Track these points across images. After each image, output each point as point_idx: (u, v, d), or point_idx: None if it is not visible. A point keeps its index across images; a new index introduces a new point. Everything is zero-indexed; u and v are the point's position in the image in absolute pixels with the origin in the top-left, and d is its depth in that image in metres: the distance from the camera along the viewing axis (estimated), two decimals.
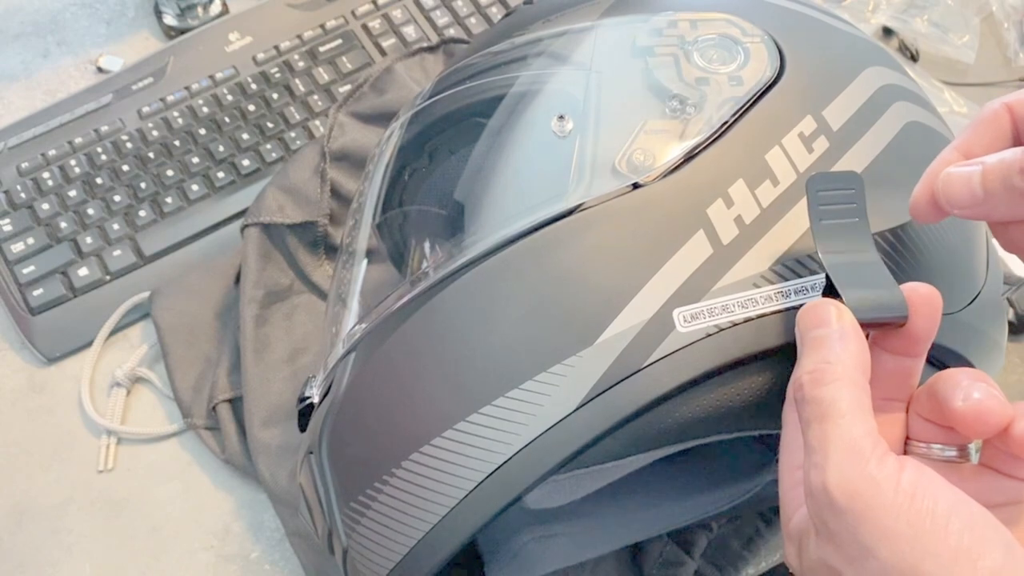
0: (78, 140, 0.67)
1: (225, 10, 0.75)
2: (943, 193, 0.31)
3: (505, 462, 0.34)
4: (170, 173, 0.66)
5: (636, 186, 0.36)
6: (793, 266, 0.34)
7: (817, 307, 0.31)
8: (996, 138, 0.32)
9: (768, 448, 0.47)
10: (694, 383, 0.34)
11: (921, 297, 0.31)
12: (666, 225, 0.35)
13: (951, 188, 0.31)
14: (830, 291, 0.32)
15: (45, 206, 0.64)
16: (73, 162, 0.66)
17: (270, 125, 0.68)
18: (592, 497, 0.43)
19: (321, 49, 0.71)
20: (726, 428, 0.36)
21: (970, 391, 0.29)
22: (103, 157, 0.66)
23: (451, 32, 0.72)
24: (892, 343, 0.31)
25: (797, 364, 0.31)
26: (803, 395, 0.29)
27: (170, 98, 0.68)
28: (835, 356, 0.29)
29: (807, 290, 0.34)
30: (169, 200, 0.65)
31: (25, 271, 0.63)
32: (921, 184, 0.32)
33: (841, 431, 0.28)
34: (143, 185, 0.65)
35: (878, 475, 0.27)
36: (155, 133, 0.67)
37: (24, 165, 0.66)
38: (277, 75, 0.69)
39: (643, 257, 0.34)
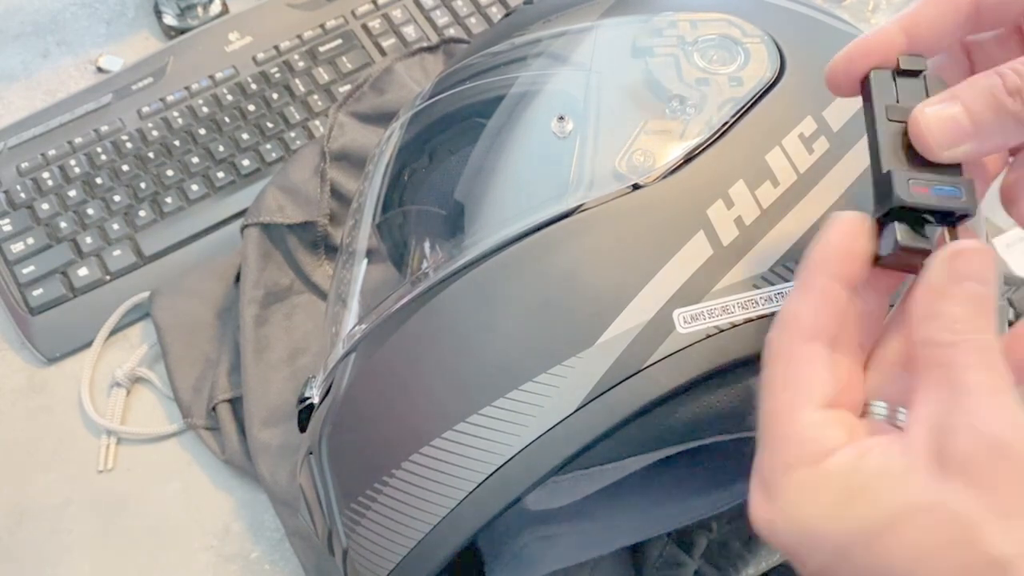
0: (78, 140, 0.67)
1: (225, 10, 0.75)
2: (926, 135, 0.28)
3: (505, 463, 0.34)
4: (170, 173, 0.66)
5: (636, 187, 0.36)
6: (794, 267, 0.34)
7: (983, 255, 0.27)
8: (947, 12, 0.29)
9: None
10: (694, 384, 0.34)
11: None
12: (666, 226, 0.35)
13: (934, 128, 0.28)
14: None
15: (45, 206, 0.64)
16: (73, 162, 0.66)
17: (270, 125, 0.68)
18: (592, 498, 0.43)
19: (321, 49, 0.71)
20: (726, 429, 0.36)
21: None
22: (103, 157, 0.66)
23: (451, 32, 0.72)
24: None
25: (936, 295, 0.27)
26: (961, 338, 0.26)
27: (170, 98, 0.68)
28: (991, 329, 0.26)
29: None
30: (169, 200, 0.65)
31: (25, 271, 0.63)
32: (842, 52, 0.30)
33: (1010, 385, 0.25)
34: (143, 185, 0.65)
35: None
36: (155, 133, 0.67)
37: (24, 165, 0.66)
38: (277, 75, 0.69)
39: (643, 258, 0.34)
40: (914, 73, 0.30)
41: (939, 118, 0.28)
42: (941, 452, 0.25)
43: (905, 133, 0.29)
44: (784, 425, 0.28)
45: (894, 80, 0.30)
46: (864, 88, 0.30)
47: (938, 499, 0.25)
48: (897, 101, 0.29)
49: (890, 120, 0.29)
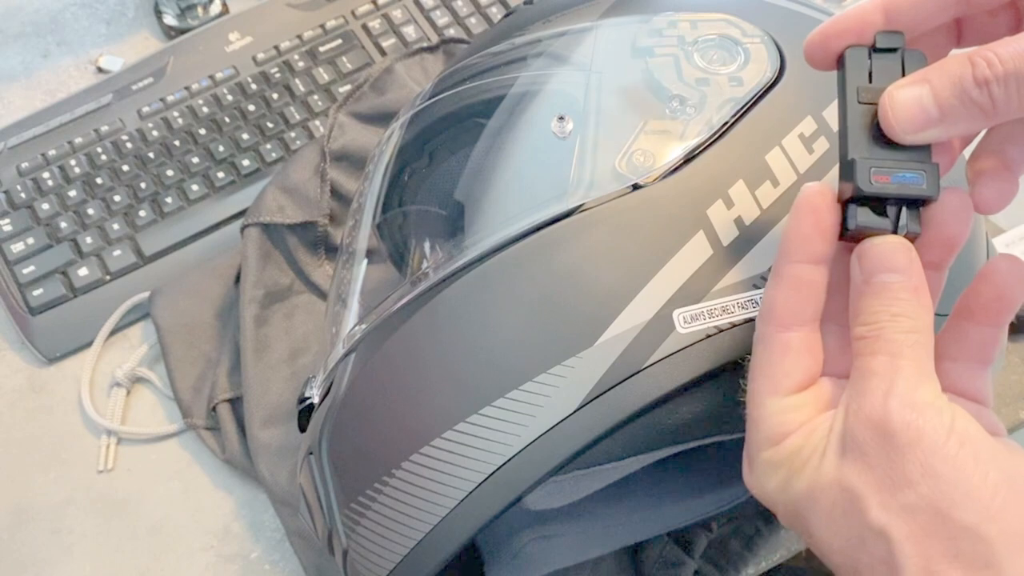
0: (78, 140, 0.67)
1: (225, 10, 0.75)
2: (893, 119, 0.29)
3: (505, 463, 0.34)
4: (170, 173, 0.66)
5: (636, 187, 0.36)
6: None
7: (886, 247, 0.29)
8: None
9: None
10: (694, 384, 0.34)
11: (958, 196, 0.30)
12: (666, 226, 0.35)
13: (900, 112, 0.29)
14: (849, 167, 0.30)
15: (45, 206, 0.64)
16: (73, 162, 0.66)
17: (270, 125, 0.68)
18: (592, 498, 0.43)
19: (321, 49, 0.71)
20: (726, 429, 0.36)
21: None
22: (103, 157, 0.66)
23: (451, 32, 0.72)
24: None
25: (856, 294, 0.30)
26: (875, 333, 0.29)
27: (170, 98, 0.68)
28: (910, 310, 0.29)
29: None
30: (169, 200, 0.65)
31: (25, 271, 0.63)
32: (818, 29, 0.31)
33: (915, 367, 0.28)
34: (143, 185, 0.65)
35: (938, 416, 0.27)
36: (155, 133, 0.67)
37: (24, 165, 0.66)
38: (277, 75, 0.69)
39: (643, 258, 0.35)
40: (891, 50, 0.30)
41: (906, 104, 0.29)
42: (842, 434, 0.28)
43: (874, 114, 0.30)
44: (755, 410, 0.31)
45: (870, 58, 0.30)
46: (839, 66, 0.31)
47: (838, 476, 0.28)
48: (870, 80, 0.30)
49: (860, 103, 0.30)
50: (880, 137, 0.29)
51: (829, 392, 0.31)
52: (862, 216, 0.30)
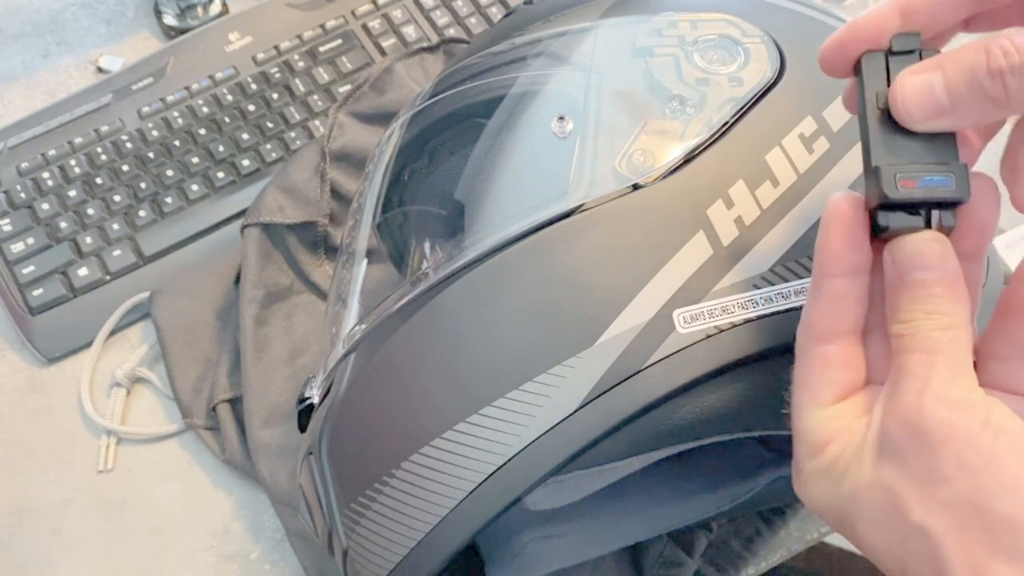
0: (78, 140, 0.67)
1: (225, 10, 0.75)
2: (901, 106, 0.28)
3: (505, 463, 0.34)
4: (170, 173, 0.66)
5: (636, 187, 0.36)
6: (793, 267, 0.34)
7: (918, 244, 0.29)
8: None
9: (768, 448, 0.47)
10: (694, 384, 0.34)
11: (982, 179, 0.29)
12: (666, 226, 0.35)
13: (910, 100, 0.28)
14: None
15: (45, 206, 0.64)
16: (73, 162, 0.66)
17: (270, 125, 0.68)
18: (592, 498, 0.43)
19: (321, 49, 0.71)
20: (726, 429, 0.36)
21: None
22: (103, 157, 0.66)
23: (451, 32, 0.72)
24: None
25: (892, 292, 0.29)
26: (911, 331, 0.28)
27: (170, 98, 0.68)
28: (945, 307, 0.28)
29: (807, 291, 0.34)
30: (169, 200, 0.65)
31: (25, 271, 0.63)
32: (833, 36, 0.30)
33: (950, 364, 0.28)
34: (143, 185, 0.65)
35: (972, 410, 0.27)
36: (155, 133, 0.67)
37: (24, 165, 0.66)
38: (277, 75, 0.69)
39: (643, 258, 0.35)
40: (908, 52, 0.30)
41: (917, 90, 0.28)
42: (879, 434, 0.28)
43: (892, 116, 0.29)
44: (798, 422, 0.31)
45: (887, 62, 0.30)
46: (856, 72, 0.30)
47: (877, 477, 0.28)
48: (888, 84, 0.29)
49: (880, 108, 0.29)
50: (903, 140, 0.29)
51: (869, 399, 0.30)
52: (892, 219, 0.29)
